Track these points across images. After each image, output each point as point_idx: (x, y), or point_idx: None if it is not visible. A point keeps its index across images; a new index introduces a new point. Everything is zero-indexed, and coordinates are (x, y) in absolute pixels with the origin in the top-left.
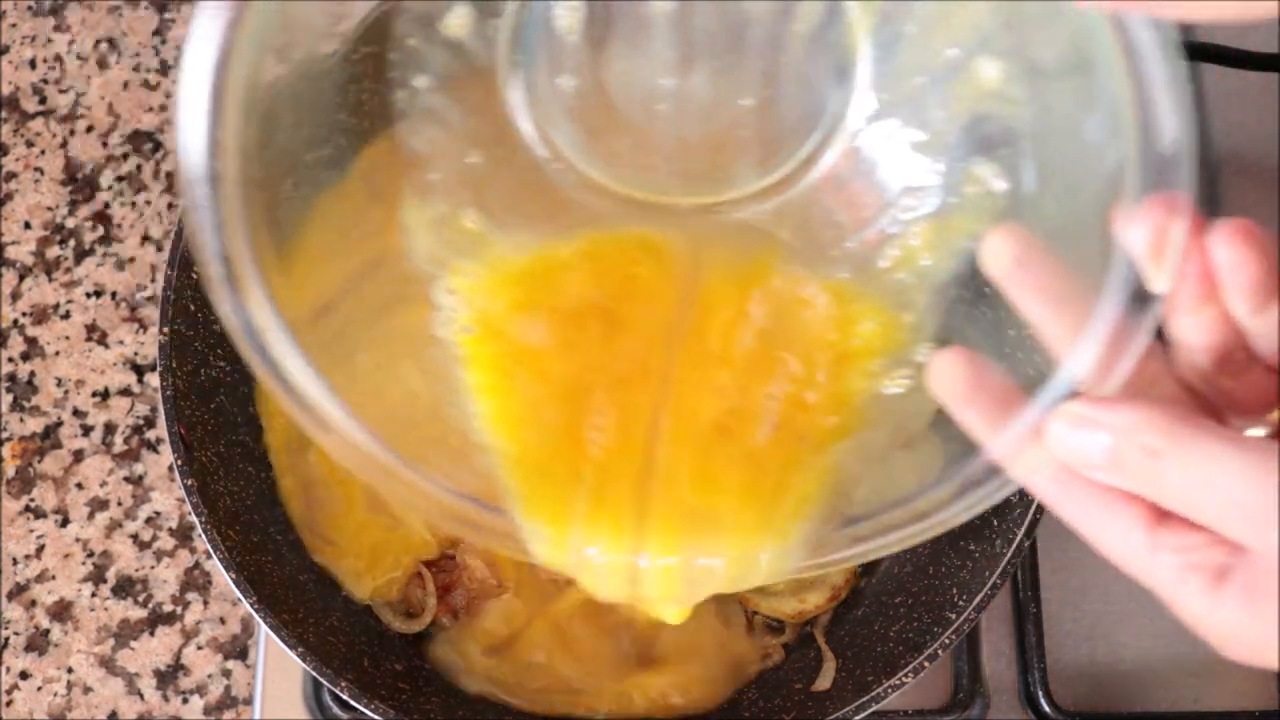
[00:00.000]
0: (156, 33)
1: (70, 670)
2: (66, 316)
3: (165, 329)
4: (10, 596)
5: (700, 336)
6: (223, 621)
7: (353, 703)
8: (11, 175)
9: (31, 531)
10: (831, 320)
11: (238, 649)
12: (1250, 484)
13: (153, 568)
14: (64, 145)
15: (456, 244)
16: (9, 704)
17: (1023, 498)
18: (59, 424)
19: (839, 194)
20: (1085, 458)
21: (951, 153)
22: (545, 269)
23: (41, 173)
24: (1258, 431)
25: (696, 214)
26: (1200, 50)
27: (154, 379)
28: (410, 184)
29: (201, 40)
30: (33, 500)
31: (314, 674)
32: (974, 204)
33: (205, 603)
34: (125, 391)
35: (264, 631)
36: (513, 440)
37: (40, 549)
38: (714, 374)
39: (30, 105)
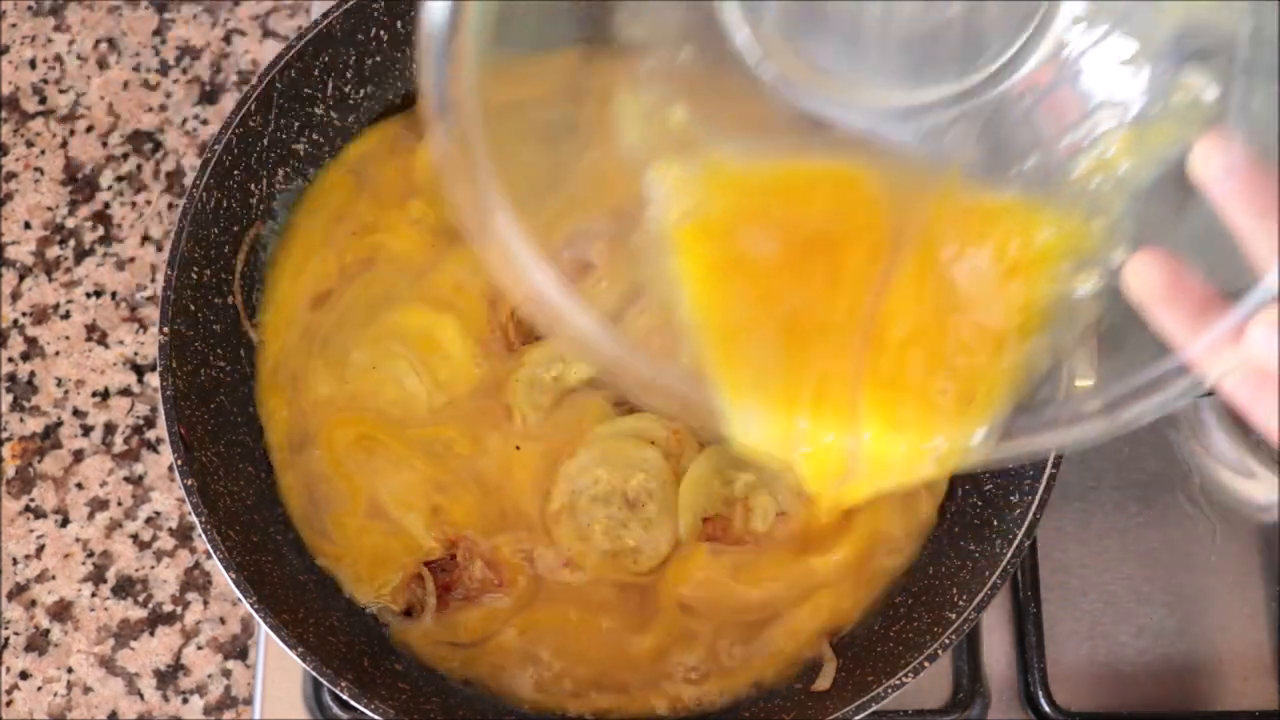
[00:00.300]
0: (156, 33)
1: (70, 670)
2: (66, 316)
3: (165, 329)
4: (10, 596)
5: (902, 251)
6: (223, 621)
7: (353, 703)
8: (11, 175)
9: (31, 531)
10: (1021, 228)
11: (238, 649)
12: None
13: (153, 568)
14: (64, 145)
15: (664, 137)
16: (9, 704)
17: (1023, 498)
18: (59, 424)
19: (1040, 101)
20: None
21: (1160, 61)
22: (763, 182)
23: (41, 173)
24: None
25: (896, 121)
26: None
27: (154, 379)
28: (624, 73)
29: None
30: (33, 500)
31: (314, 674)
32: (1180, 112)
33: (205, 603)
34: (125, 391)
35: (264, 631)
36: (725, 329)
37: (40, 549)
38: (916, 283)
39: (30, 105)
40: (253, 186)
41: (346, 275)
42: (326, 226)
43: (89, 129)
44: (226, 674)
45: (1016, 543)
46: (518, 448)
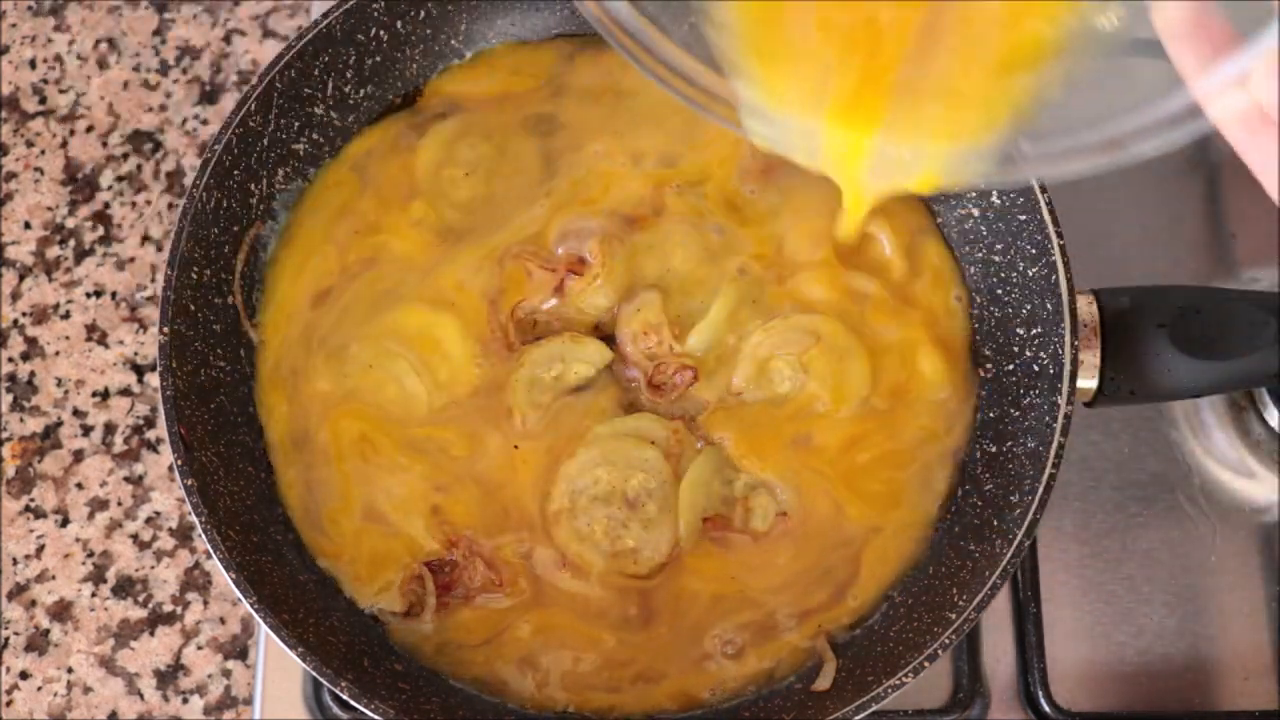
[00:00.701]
0: (156, 33)
1: (70, 670)
2: (66, 316)
3: (165, 329)
4: (10, 596)
5: None
6: (223, 621)
7: (353, 703)
8: (11, 175)
9: (31, 531)
10: None
11: (238, 649)
12: None
13: (153, 568)
14: (64, 145)
15: None
16: (9, 704)
17: (1023, 498)
18: (59, 424)
19: None
20: None
21: None
22: None
23: (41, 173)
24: None
25: None
26: None
27: (154, 379)
28: None
29: None
30: (33, 500)
31: (314, 674)
32: None
33: (205, 603)
34: (125, 391)
35: (264, 631)
36: (763, 25)
37: (40, 549)
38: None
39: (30, 105)
40: (253, 186)
41: (348, 274)
42: (328, 224)
43: (89, 129)
44: (226, 674)
45: (1016, 543)
46: (517, 447)
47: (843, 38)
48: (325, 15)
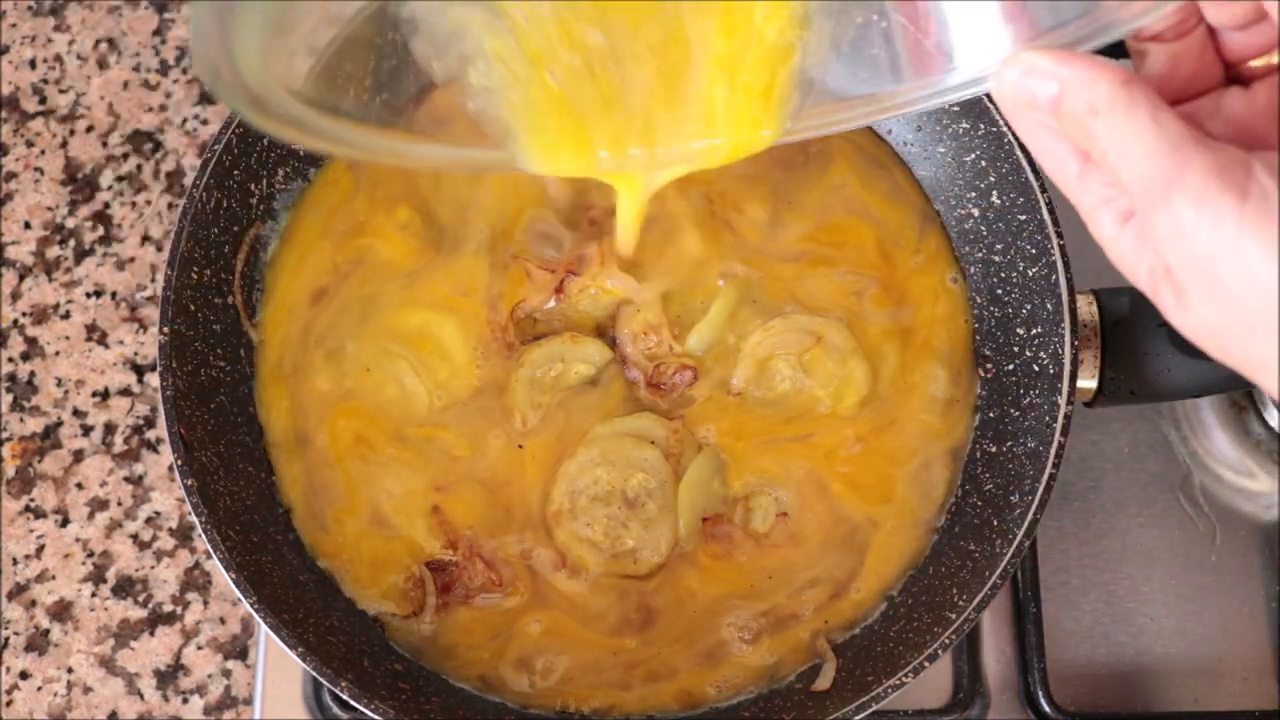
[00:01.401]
0: (156, 33)
1: (70, 670)
2: (66, 316)
3: (165, 329)
4: (10, 596)
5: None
6: (223, 621)
7: (353, 703)
8: (11, 175)
9: (31, 531)
10: None
11: (238, 649)
12: (1154, 162)
13: (153, 568)
14: (64, 145)
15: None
16: (9, 704)
17: (1023, 498)
18: (59, 424)
19: None
20: (1033, 101)
21: None
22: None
23: (41, 173)
24: (1261, 61)
25: None
26: None
27: (154, 379)
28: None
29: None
30: (33, 500)
31: (314, 674)
32: None
33: (205, 603)
34: (125, 391)
35: (264, 631)
36: (528, 84)
37: (40, 549)
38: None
39: (30, 105)
40: (253, 186)
41: (340, 273)
42: (324, 222)
43: (89, 129)
44: (226, 674)
45: (1016, 543)
46: (519, 447)
47: (578, 83)
48: None
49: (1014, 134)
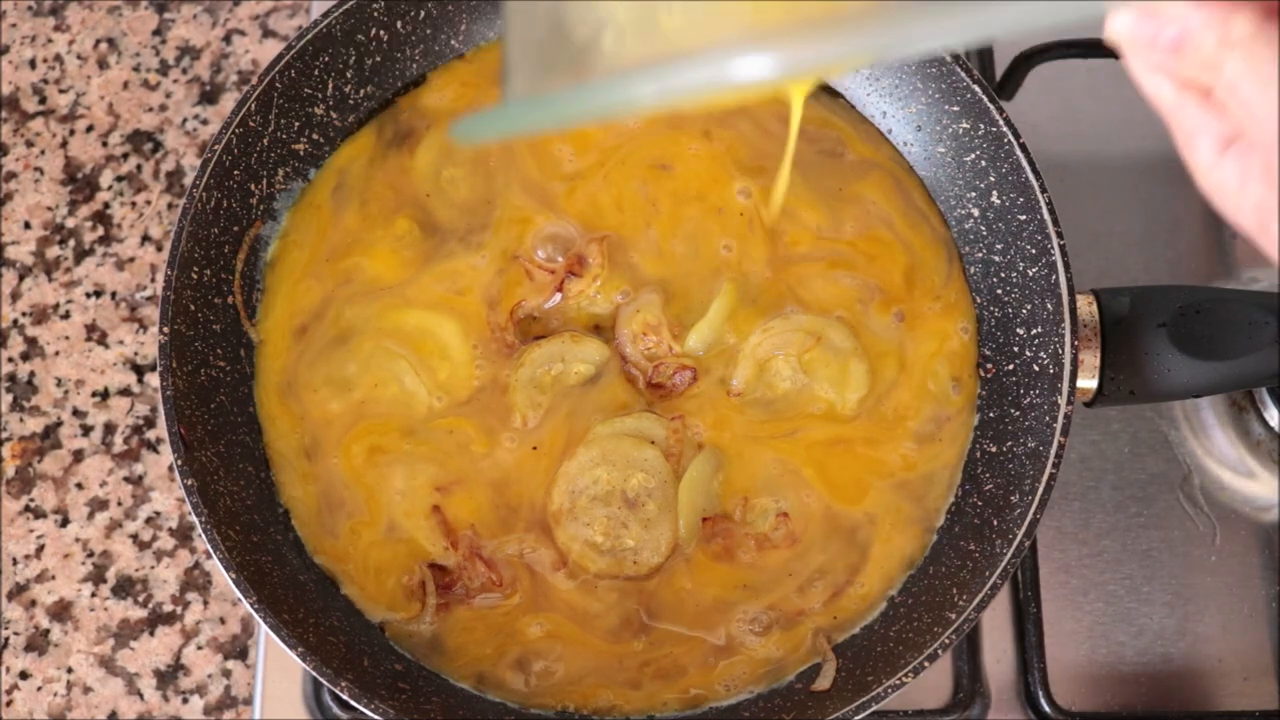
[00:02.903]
0: (156, 33)
1: (70, 670)
2: (66, 316)
3: (165, 329)
4: (10, 596)
5: None
6: (223, 621)
7: (353, 703)
8: (11, 175)
9: (31, 531)
10: None
11: (238, 649)
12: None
13: (153, 568)
14: (64, 145)
15: None
16: (9, 704)
17: (1023, 498)
18: (59, 424)
19: None
20: (1153, 42)
21: None
22: None
23: (41, 173)
24: None
25: None
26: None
27: (154, 379)
28: None
29: None
30: (33, 500)
31: (314, 674)
32: None
33: (205, 603)
34: (125, 391)
35: (264, 631)
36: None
37: (40, 549)
38: None
39: (30, 105)
40: (253, 186)
41: (342, 276)
42: (325, 224)
43: (89, 129)
44: (226, 674)
45: (1016, 543)
46: (518, 447)
47: None
48: (325, 15)
49: (1014, 134)
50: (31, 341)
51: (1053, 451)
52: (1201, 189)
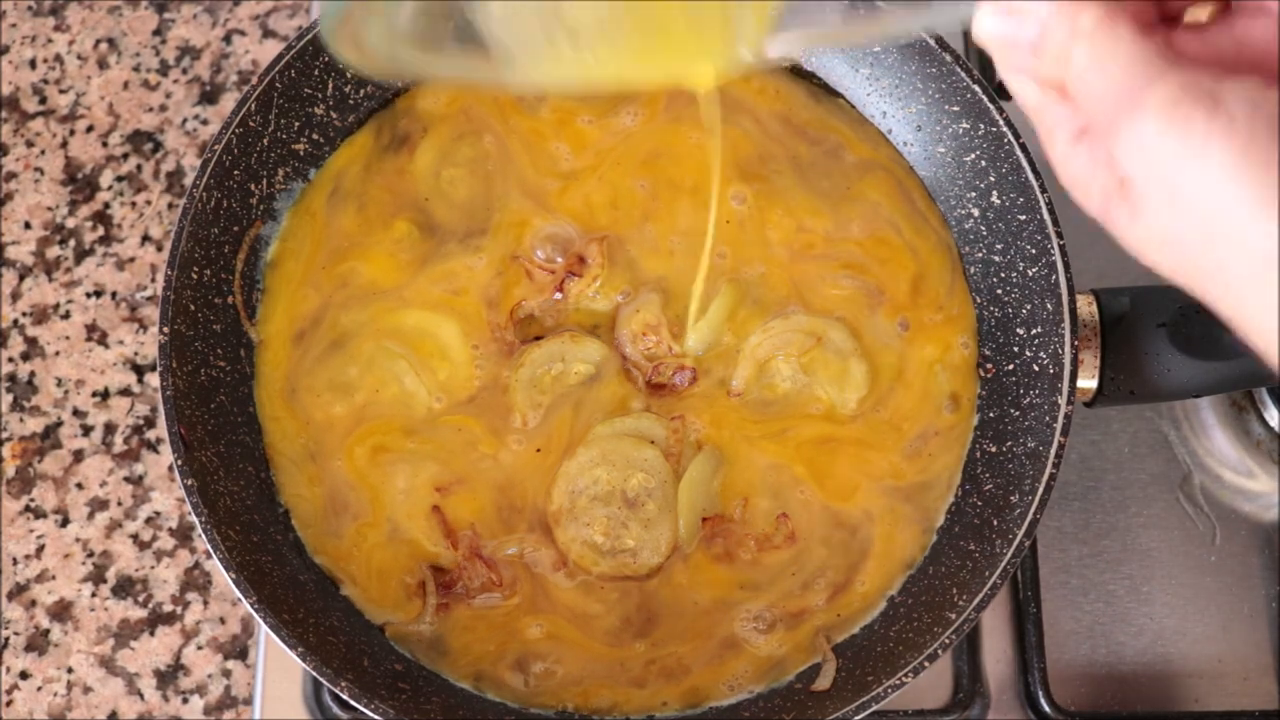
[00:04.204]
0: (156, 33)
1: (70, 670)
2: (66, 316)
3: (165, 329)
4: (10, 596)
5: None
6: (223, 621)
7: (353, 703)
8: (11, 175)
9: (31, 531)
10: None
11: (238, 649)
12: (1129, 75)
13: (153, 568)
14: (64, 145)
15: None
16: (9, 704)
17: (1023, 498)
18: (59, 424)
19: None
20: (1014, 42)
21: None
22: None
23: (41, 173)
24: (1198, 14)
25: None
26: None
27: (154, 379)
28: None
29: None
30: (33, 500)
31: (314, 674)
32: None
33: (205, 603)
34: (125, 391)
35: (264, 631)
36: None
37: (40, 549)
38: None
39: (30, 105)
40: (253, 186)
41: (340, 276)
42: (325, 224)
43: (89, 129)
44: (226, 674)
45: (1016, 543)
46: (518, 447)
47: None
48: None
49: (1014, 134)
50: (32, 341)
51: (1053, 451)
52: (1060, 183)
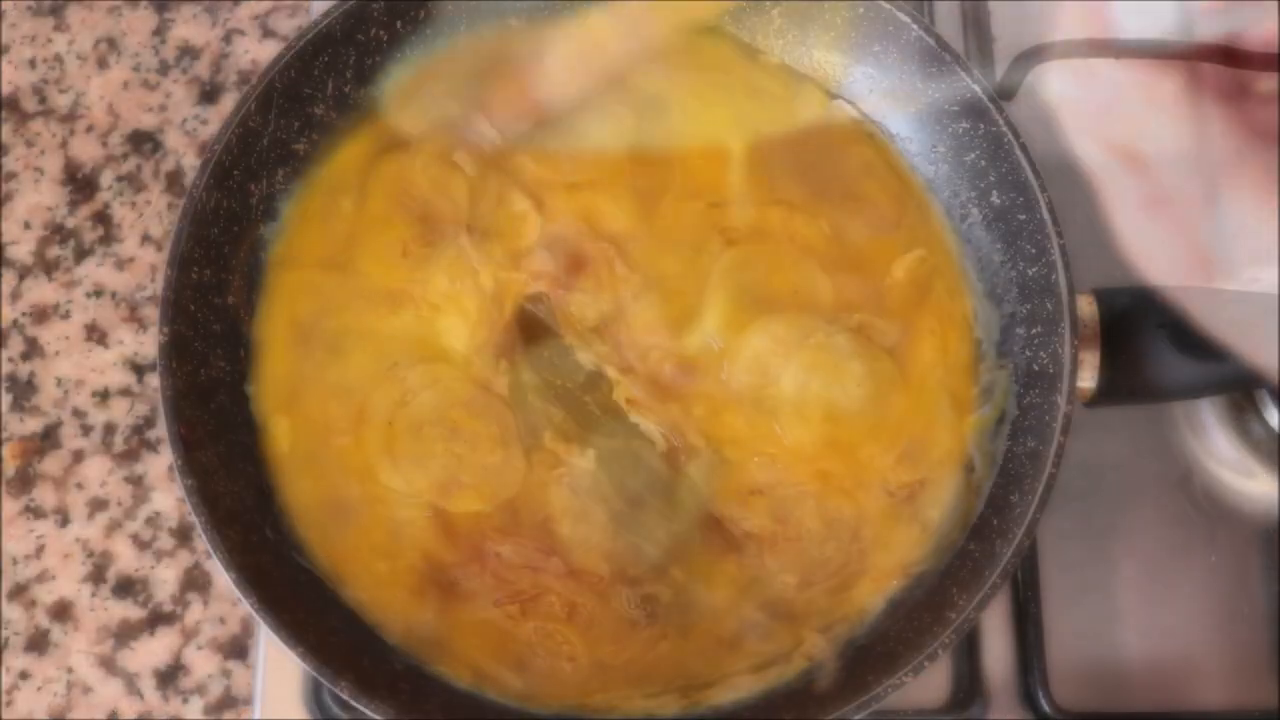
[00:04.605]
0: (156, 33)
1: (70, 670)
2: (66, 316)
3: (165, 329)
4: (10, 596)
5: None
6: (223, 621)
7: (353, 703)
8: (11, 175)
9: (31, 531)
10: None
11: (238, 649)
12: (1212, 153)
13: (153, 568)
14: (64, 145)
15: None
16: (9, 704)
17: (1023, 498)
18: (59, 424)
19: None
20: (1083, 103)
21: None
22: None
23: (41, 173)
24: (1271, 84)
25: None
26: None
27: (154, 379)
28: None
29: None
30: (33, 500)
31: (314, 674)
32: None
33: (205, 603)
34: (125, 391)
35: (264, 631)
36: None
37: (40, 549)
38: None
39: (30, 105)
40: (253, 186)
41: (340, 274)
42: (324, 223)
43: (89, 129)
44: (226, 674)
45: (1016, 543)
46: (519, 448)
47: None
48: (325, 15)
49: (1014, 133)
50: (31, 341)
51: (1053, 451)
52: (1122, 252)
